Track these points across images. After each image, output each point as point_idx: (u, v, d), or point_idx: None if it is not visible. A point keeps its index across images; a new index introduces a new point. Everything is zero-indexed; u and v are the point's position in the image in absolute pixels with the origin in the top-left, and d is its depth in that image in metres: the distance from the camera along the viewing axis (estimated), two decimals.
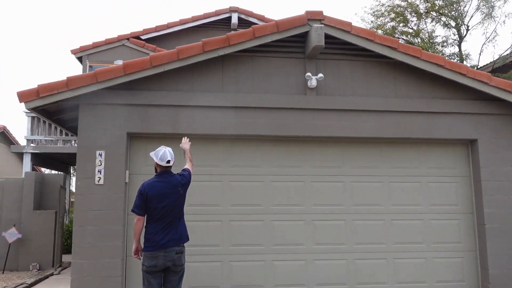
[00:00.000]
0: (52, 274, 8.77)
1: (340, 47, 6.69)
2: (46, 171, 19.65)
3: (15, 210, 9.50)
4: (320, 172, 6.73)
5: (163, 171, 4.51)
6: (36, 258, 9.23)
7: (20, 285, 7.60)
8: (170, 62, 6.09)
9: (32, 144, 12.94)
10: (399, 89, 6.83)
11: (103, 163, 6.13)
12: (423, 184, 6.90)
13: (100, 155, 6.14)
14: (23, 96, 5.85)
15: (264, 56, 6.65)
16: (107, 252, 5.94)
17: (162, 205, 4.34)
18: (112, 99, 6.22)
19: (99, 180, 6.09)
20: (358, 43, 6.51)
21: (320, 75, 6.42)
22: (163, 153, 4.47)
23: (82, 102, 6.17)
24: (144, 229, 4.42)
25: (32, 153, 12.92)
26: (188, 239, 4.55)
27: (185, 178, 4.57)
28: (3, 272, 8.91)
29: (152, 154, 4.54)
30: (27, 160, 12.89)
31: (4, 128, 16.97)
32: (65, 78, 5.89)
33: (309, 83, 6.48)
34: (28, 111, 10.07)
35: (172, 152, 4.54)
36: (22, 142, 14.48)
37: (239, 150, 6.63)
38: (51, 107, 6.40)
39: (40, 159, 13.72)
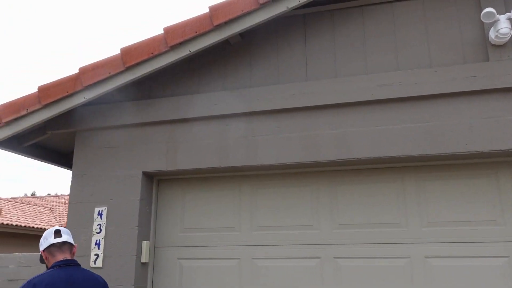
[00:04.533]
0: None
1: None
2: None
3: None
4: None
5: (63, 262, 1.75)
6: None
7: None
8: (200, 34, 3.24)
9: None
10: None
11: (103, 229, 3.46)
12: None
13: (100, 214, 3.50)
14: None
15: (386, 1, 3.36)
16: None
17: None
18: (114, 117, 3.62)
19: (96, 259, 3.41)
20: None
21: None
22: (50, 230, 1.80)
23: (74, 127, 3.71)
24: None
25: None
26: None
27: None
28: None
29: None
30: None
31: None
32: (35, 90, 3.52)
33: (491, 34, 2.93)
34: None
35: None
36: None
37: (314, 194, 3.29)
38: (45, 140, 4.11)
39: None
